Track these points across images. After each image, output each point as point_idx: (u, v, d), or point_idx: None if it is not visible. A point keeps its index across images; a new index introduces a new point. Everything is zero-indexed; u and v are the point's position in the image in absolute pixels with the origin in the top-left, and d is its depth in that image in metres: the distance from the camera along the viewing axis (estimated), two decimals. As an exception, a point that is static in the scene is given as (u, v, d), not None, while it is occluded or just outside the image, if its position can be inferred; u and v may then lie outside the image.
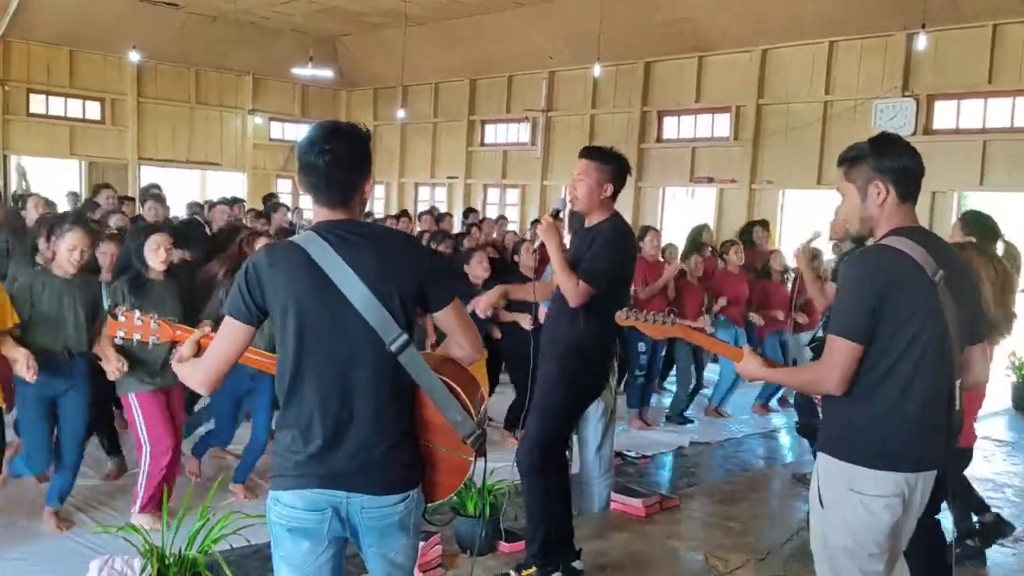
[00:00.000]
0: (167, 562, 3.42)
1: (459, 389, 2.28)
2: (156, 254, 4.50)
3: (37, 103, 15.81)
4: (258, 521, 3.52)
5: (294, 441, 2.25)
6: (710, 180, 13.41)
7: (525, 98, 15.94)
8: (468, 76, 16.72)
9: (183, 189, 16.80)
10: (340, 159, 2.23)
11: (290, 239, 2.31)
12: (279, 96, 18.68)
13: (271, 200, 11.86)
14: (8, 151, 15.53)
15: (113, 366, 4.33)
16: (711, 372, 8.05)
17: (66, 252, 4.33)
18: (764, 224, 9.61)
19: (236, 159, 18.31)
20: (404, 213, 11.75)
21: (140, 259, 4.52)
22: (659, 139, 14.05)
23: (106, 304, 4.41)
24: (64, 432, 4.47)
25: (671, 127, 14.15)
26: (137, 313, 2.55)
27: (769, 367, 2.74)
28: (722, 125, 13.44)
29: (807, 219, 11.73)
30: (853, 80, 11.75)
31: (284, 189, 18.62)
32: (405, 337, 2.22)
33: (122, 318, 2.55)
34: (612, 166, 3.79)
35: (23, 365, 4.01)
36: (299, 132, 19.02)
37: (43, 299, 4.28)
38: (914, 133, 10.90)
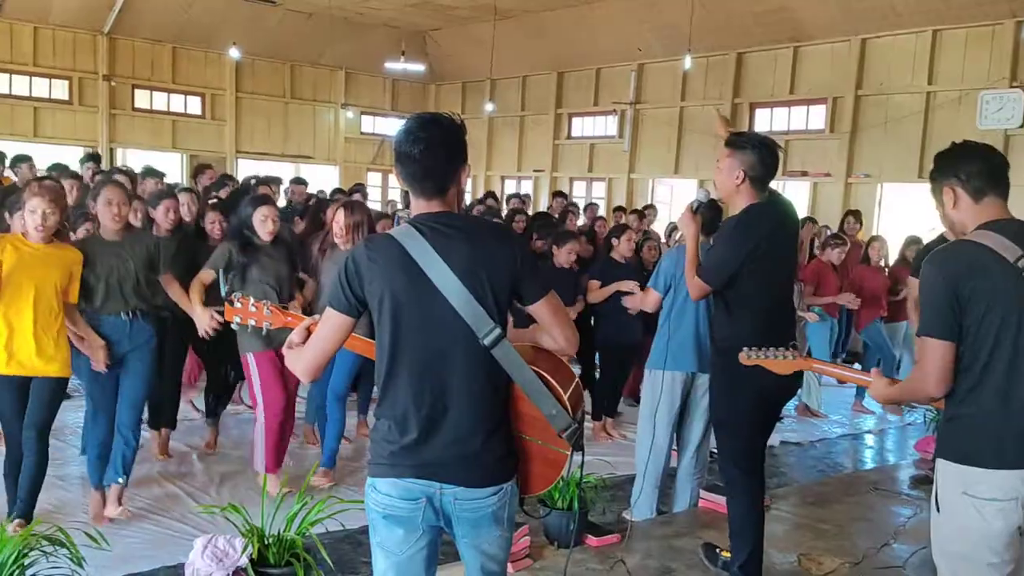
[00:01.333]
0: (267, 542, 3.53)
1: (554, 382, 2.27)
2: (264, 224, 4.71)
3: (142, 98, 16.48)
4: (352, 507, 3.62)
5: (390, 431, 2.29)
6: (804, 173, 13.08)
7: (613, 91, 15.83)
8: (555, 69, 16.70)
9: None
10: (435, 149, 2.24)
11: (387, 232, 2.35)
12: (370, 90, 19.02)
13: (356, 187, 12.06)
14: (114, 144, 16.24)
15: (204, 325, 4.52)
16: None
17: (104, 209, 4.33)
18: (856, 215, 9.33)
19: (328, 152, 18.73)
20: (491, 195, 11.66)
21: (250, 228, 4.73)
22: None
23: (223, 287, 4.56)
24: (123, 395, 4.45)
25: (763, 119, 13.86)
26: (251, 299, 2.65)
27: (893, 385, 2.69)
28: (817, 117, 13.08)
29: (907, 213, 11.34)
30: (957, 70, 11.29)
31: (374, 182, 18.99)
32: (498, 331, 2.22)
33: (238, 304, 2.66)
34: (746, 152, 3.51)
35: (97, 357, 4.20)
36: (389, 126, 19.37)
37: (97, 263, 4.29)
38: (1022, 125, 10.40)
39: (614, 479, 5.20)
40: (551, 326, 2.34)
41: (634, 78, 15.35)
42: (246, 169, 16.99)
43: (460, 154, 2.30)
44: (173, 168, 17.59)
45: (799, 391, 7.64)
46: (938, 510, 2.51)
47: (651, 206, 11.54)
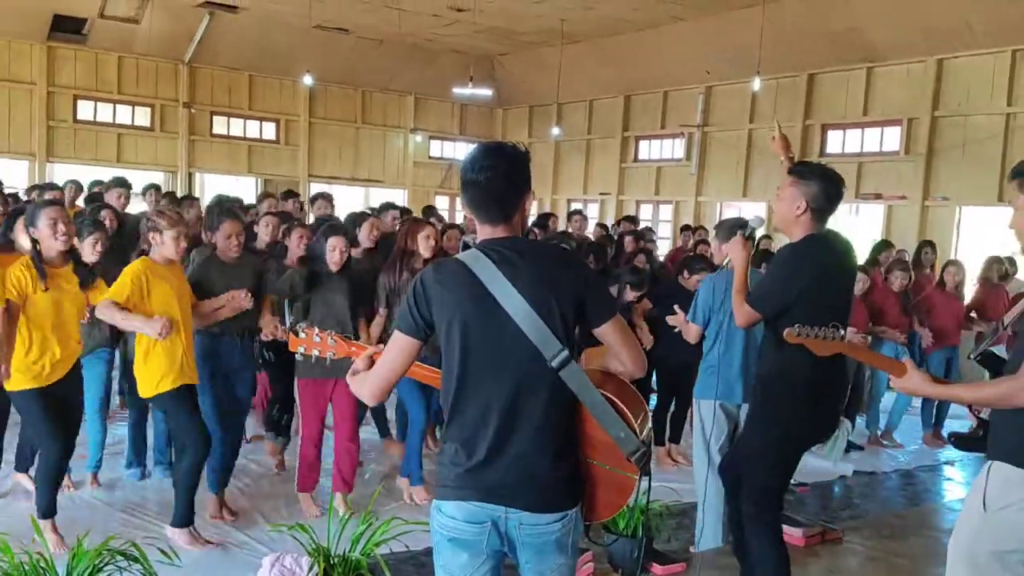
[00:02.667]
0: (332, 562, 3.57)
1: (622, 405, 2.26)
2: (332, 254, 4.83)
3: (219, 124, 17.02)
4: (416, 528, 3.65)
5: (456, 453, 2.30)
6: (877, 196, 12.78)
7: (680, 113, 15.76)
8: (622, 92, 16.70)
9: (348, 206, 17.62)
10: (499, 176, 2.29)
11: (455, 256, 2.38)
12: (438, 115, 19.29)
13: (429, 210, 12.12)
14: (193, 168, 16.78)
15: (265, 328, 4.81)
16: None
17: (224, 241, 4.79)
18: (932, 246, 9.09)
19: (397, 176, 19.03)
20: (549, 216, 11.55)
21: (322, 254, 4.89)
22: (822, 153, 13.52)
23: (288, 319, 4.70)
24: (230, 414, 4.86)
25: (835, 141, 13.60)
26: (316, 330, 2.69)
27: (935, 383, 2.61)
28: (892, 138, 12.79)
29: (986, 237, 10.97)
30: (1038, 91, 10.94)
31: (442, 205, 19.18)
32: (566, 353, 2.23)
33: (303, 334, 2.70)
34: (810, 184, 3.44)
35: (235, 297, 4.48)
36: (457, 150, 19.60)
37: (216, 284, 4.67)
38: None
39: (679, 506, 5.12)
40: (618, 349, 2.34)
41: (702, 100, 15.26)
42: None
43: (524, 182, 2.34)
44: (248, 192, 18.11)
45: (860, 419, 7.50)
46: (984, 508, 2.50)
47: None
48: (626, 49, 15.30)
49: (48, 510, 4.24)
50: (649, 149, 16.88)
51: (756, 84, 12.88)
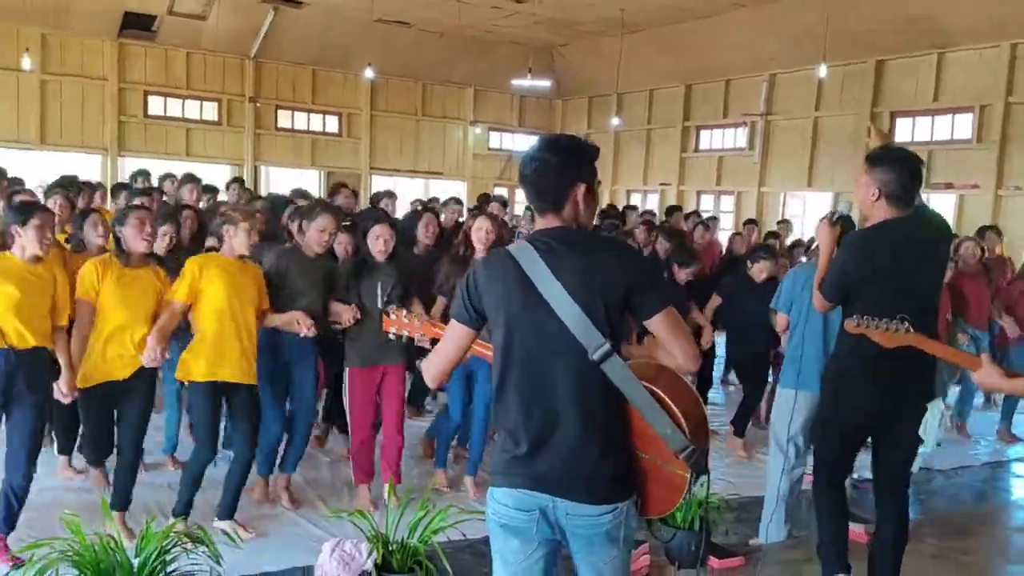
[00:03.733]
0: (391, 548, 3.63)
1: (668, 400, 2.23)
2: (376, 243, 4.87)
3: (284, 118, 17.33)
4: (473, 517, 3.69)
5: (506, 441, 2.33)
6: (948, 186, 12.41)
7: (743, 102, 15.52)
8: (683, 81, 16.51)
9: (408, 197, 17.79)
10: (549, 168, 2.31)
11: (504, 247, 2.40)
12: (498, 107, 19.34)
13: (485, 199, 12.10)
14: (259, 162, 17.12)
15: (344, 318, 4.79)
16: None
17: (316, 233, 4.77)
18: (996, 230, 8.78)
19: (457, 168, 19.14)
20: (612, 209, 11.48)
21: (365, 245, 4.93)
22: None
23: (380, 300, 4.75)
24: (299, 401, 4.92)
25: (904, 129, 13.25)
26: (404, 312, 2.86)
27: (1011, 378, 2.53)
28: (963, 126, 12.41)
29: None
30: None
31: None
32: (608, 346, 2.21)
33: (393, 316, 2.85)
34: (882, 170, 3.43)
35: (301, 322, 4.51)
36: (516, 142, 19.62)
37: (292, 276, 4.72)
38: None
39: (738, 500, 5.06)
40: (669, 342, 2.31)
41: (765, 89, 15.00)
42: (379, 185, 17.57)
43: (575, 173, 2.33)
44: (311, 184, 18.40)
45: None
46: None
47: (786, 221, 11.22)
48: (687, 38, 15.13)
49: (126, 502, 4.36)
50: (710, 139, 16.66)
51: (822, 71, 12.61)
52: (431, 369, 2.47)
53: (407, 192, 18.87)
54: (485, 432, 5.24)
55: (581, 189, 2.32)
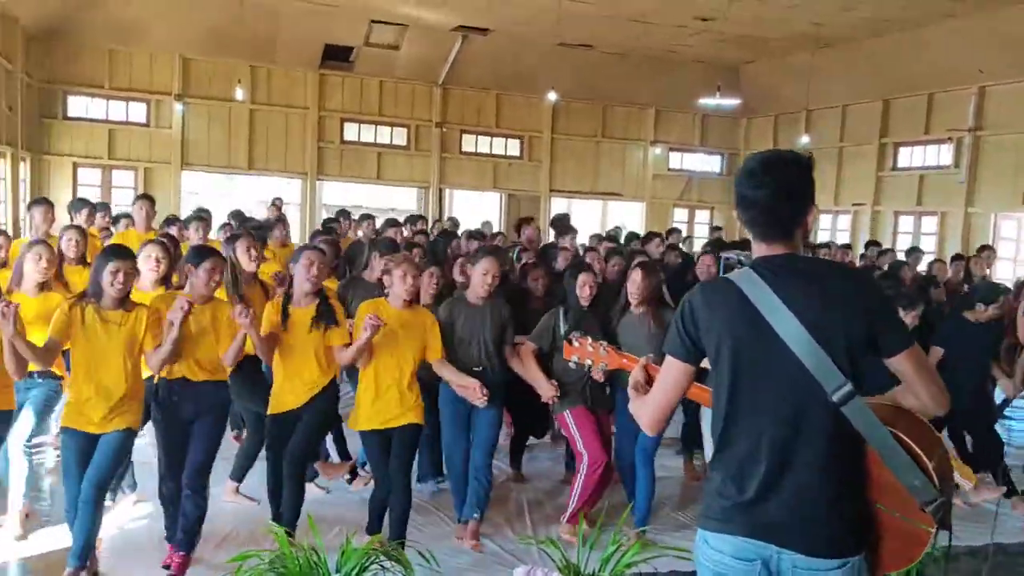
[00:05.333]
0: (583, 581, 3.55)
1: (917, 449, 2.03)
2: (582, 290, 4.84)
3: (468, 142, 17.81)
4: (667, 553, 3.56)
5: (724, 484, 2.18)
6: None
7: (948, 116, 14.43)
8: (880, 96, 15.58)
9: (586, 218, 17.85)
10: (780, 190, 2.14)
11: (726, 276, 2.25)
12: (679, 126, 19.01)
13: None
14: (443, 184, 17.67)
15: (546, 392, 4.74)
16: None
17: (480, 277, 4.77)
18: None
19: (636, 189, 18.95)
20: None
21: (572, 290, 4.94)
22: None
23: (562, 328, 4.73)
24: (476, 442, 4.83)
25: None
26: (589, 339, 2.72)
27: None
28: None
29: None
30: None
31: (680, 218, 18.91)
32: (849, 386, 2.03)
33: (576, 344, 2.73)
34: None
35: (477, 391, 4.51)
36: (697, 161, 19.21)
37: (459, 323, 4.74)
38: None
39: (955, 549, 4.62)
40: (914, 382, 2.09)
41: (974, 102, 13.90)
42: (558, 207, 17.71)
43: (807, 195, 2.18)
44: (492, 207, 18.83)
45: None
46: None
47: (988, 247, 10.31)
48: (886, 50, 14.28)
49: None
50: (911, 156, 15.62)
51: (1042, 82, 11.54)
52: (647, 414, 2.28)
53: (586, 214, 18.98)
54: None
55: (811, 212, 2.16)
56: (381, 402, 4.38)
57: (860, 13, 12.64)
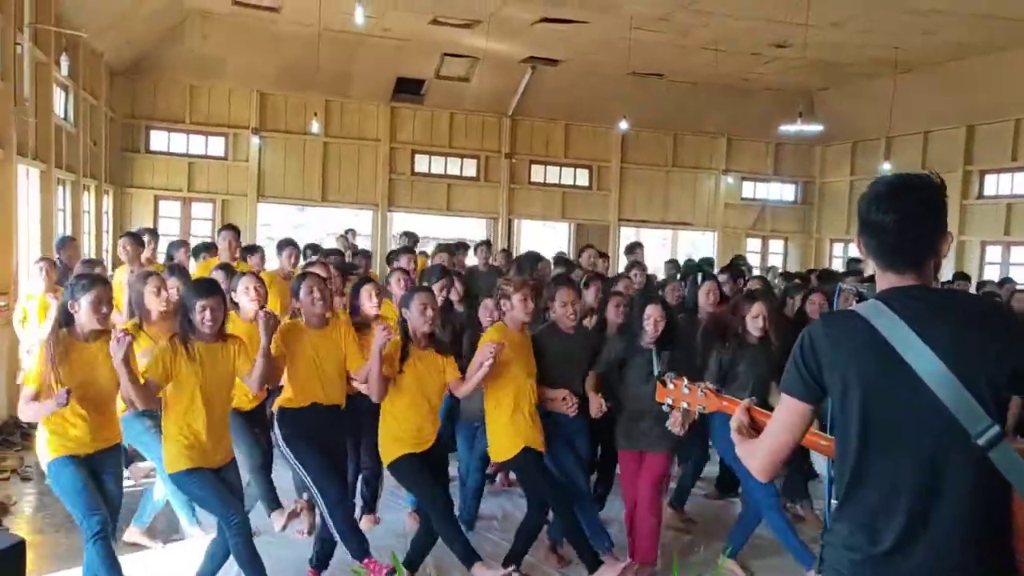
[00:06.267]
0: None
1: None
2: (648, 323, 4.70)
3: (537, 172, 17.79)
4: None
5: (852, 536, 2.00)
6: None
7: (1038, 143, 13.90)
8: (964, 122, 15.08)
9: (654, 247, 17.63)
10: (910, 217, 1.98)
11: (852, 308, 2.08)
12: (751, 155, 18.71)
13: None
14: (512, 215, 17.66)
15: (594, 408, 4.68)
16: None
17: (561, 308, 4.70)
18: None
19: (707, 218, 18.68)
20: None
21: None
22: None
23: (656, 368, 4.59)
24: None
25: None
26: (685, 380, 2.53)
27: None
28: None
29: None
30: None
31: (753, 248, 18.55)
32: (997, 429, 1.85)
33: (671, 385, 2.54)
34: None
35: (567, 399, 4.52)
36: (771, 191, 18.85)
37: (552, 349, 4.67)
38: None
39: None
40: None
41: (1067, 127, 13.36)
42: (628, 236, 17.54)
43: (940, 220, 2.01)
44: (560, 237, 18.74)
45: None
46: None
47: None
48: (969, 75, 13.83)
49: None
50: (997, 184, 15.05)
51: None
52: (760, 457, 2.10)
53: (654, 243, 18.77)
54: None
55: (945, 239, 2.00)
56: (514, 425, 4.41)
57: (941, 37, 12.27)
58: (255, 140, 15.73)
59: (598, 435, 5.05)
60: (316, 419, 4.24)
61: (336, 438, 4.43)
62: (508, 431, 4.41)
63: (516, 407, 4.39)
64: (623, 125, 15.59)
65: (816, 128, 15.76)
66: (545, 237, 20.03)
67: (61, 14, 10.04)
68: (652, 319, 4.64)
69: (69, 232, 10.79)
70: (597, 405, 4.68)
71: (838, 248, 18.34)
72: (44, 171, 9.73)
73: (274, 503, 4.76)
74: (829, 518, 2.12)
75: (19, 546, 2.44)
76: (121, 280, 6.26)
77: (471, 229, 18.64)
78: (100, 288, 3.81)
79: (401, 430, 4.31)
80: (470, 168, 17.36)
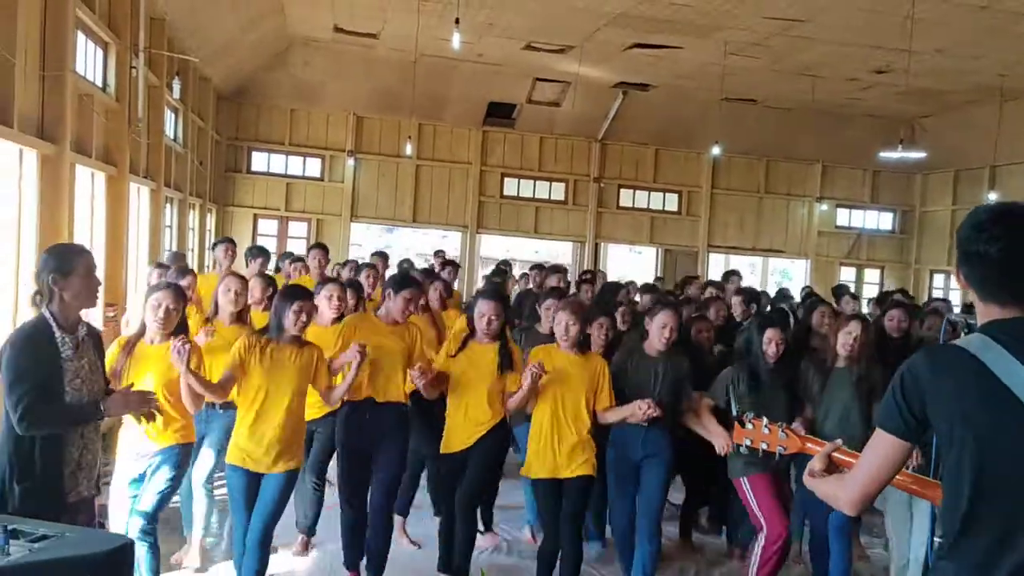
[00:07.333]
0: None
1: None
2: (769, 347, 4.54)
3: (625, 196, 17.76)
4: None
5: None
6: None
7: None
8: (1077, 150, 14.42)
9: (746, 275, 17.29)
10: (1015, 244, 1.89)
11: (956, 342, 2.01)
12: (848, 182, 18.26)
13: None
14: (599, 239, 17.64)
15: (720, 442, 4.44)
16: None
17: (657, 331, 4.57)
18: None
19: (800, 246, 18.29)
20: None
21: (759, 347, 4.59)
22: None
23: (734, 407, 4.46)
24: (642, 505, 4.61)
25: None
26: (764, 421, 2.47)
27: None
28: None
29: None
30: None
31: (847, 277, 18.04)
32: None
33: (749, 426, 2.48)
34: None
35: (640, 407, 4.33)
36: (867, 219, 18.33)
37: (633, 373, 4.57)
38: None
39: None
40: None
41: None
42: (716, 263, 17.31)
43: None
44: (648, 262, 18.61)
45: None
46: None
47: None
48: (1083, 102, 13.24)
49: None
50: (1112, 215, 14.29)
51: None
52: (848, 493, 2.02)
53: (744, 269, 18.41)
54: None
55: None
56: (550, 450, 4.30)
57: (1054, 63, 11.80)
58: (350, 162, 16.18)
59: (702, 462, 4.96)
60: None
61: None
62: (540, 455, 4.32)
63: (559, 432, 4.30)
64: (716, 151, 15.43)
65: (919, 155, 15.26)
66: (632, 261, 19.92)
67: (173, 39, 10.57)
68: (773, 342, 4.55)
69: (175, 248, 11.28)
70: (723, 440, 4.41)
71: (939, 279, 17.69)
72: (154, 189, 10.22)
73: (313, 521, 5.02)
74: (932, 555, 2.06)
75: (127, 547, 2.52)
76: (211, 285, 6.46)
77: (557, 252, 18.68)
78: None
79: (450, 427, 4.51)
80: (559, 192, 17.45)
